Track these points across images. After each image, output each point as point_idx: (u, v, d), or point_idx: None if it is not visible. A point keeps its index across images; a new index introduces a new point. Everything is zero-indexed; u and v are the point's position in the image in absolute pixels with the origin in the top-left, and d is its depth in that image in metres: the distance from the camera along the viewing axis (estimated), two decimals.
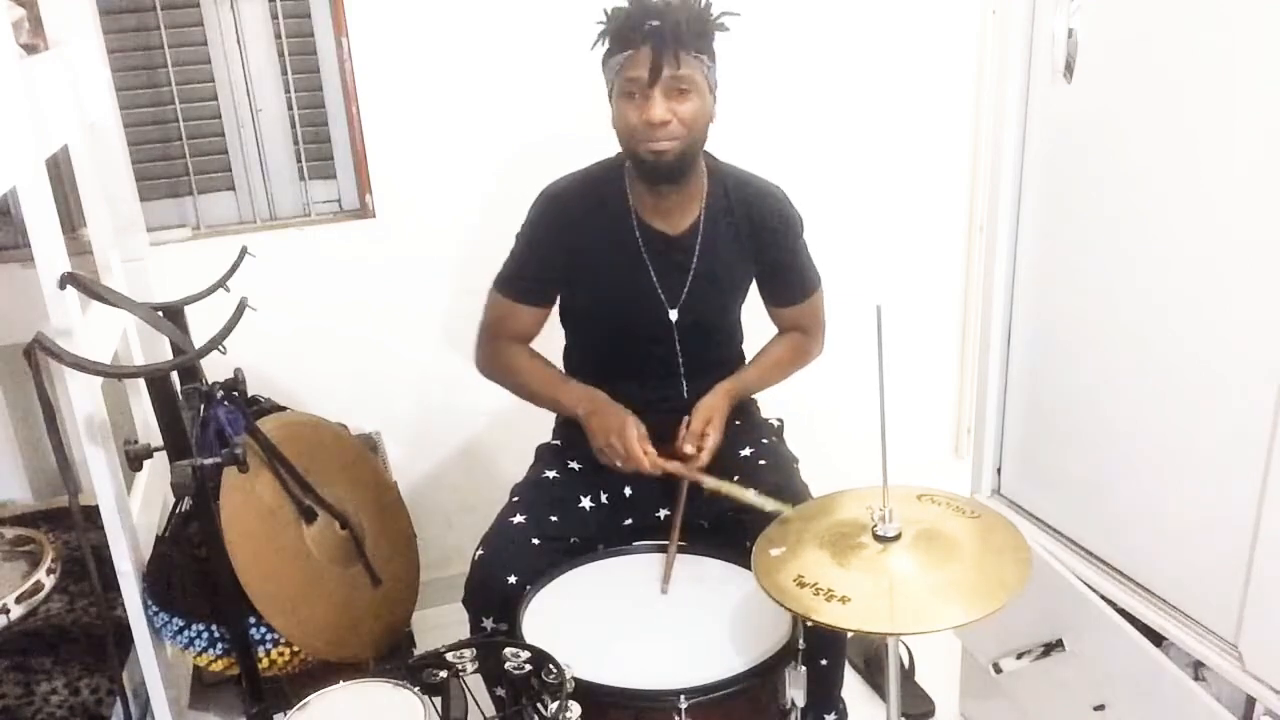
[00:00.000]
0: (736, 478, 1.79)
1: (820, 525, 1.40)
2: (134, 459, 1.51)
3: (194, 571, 1.56)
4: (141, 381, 1.90)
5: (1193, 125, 1.38)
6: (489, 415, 2.56)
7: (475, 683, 1.44)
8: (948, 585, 1.26)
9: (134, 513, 1.62)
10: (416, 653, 1.57)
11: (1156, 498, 1.54)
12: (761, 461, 1.83)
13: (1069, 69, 1.58)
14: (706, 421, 1.76)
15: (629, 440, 1.70)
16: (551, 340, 1.93)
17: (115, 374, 1.58)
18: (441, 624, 2.12)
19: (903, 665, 2.24)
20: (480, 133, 2.37)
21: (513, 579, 1.64)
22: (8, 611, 1.78)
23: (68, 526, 2.08)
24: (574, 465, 1.87)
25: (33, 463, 2.34)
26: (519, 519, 1.73)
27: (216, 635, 1.56)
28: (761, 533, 1.42)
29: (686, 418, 1.79)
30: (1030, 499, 1.86)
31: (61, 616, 1.82)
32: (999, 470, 1.93)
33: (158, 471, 1.86)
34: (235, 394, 1.58)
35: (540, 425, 2.00)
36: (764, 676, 1.44)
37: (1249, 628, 1.39)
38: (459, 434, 2.58)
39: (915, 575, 1.28)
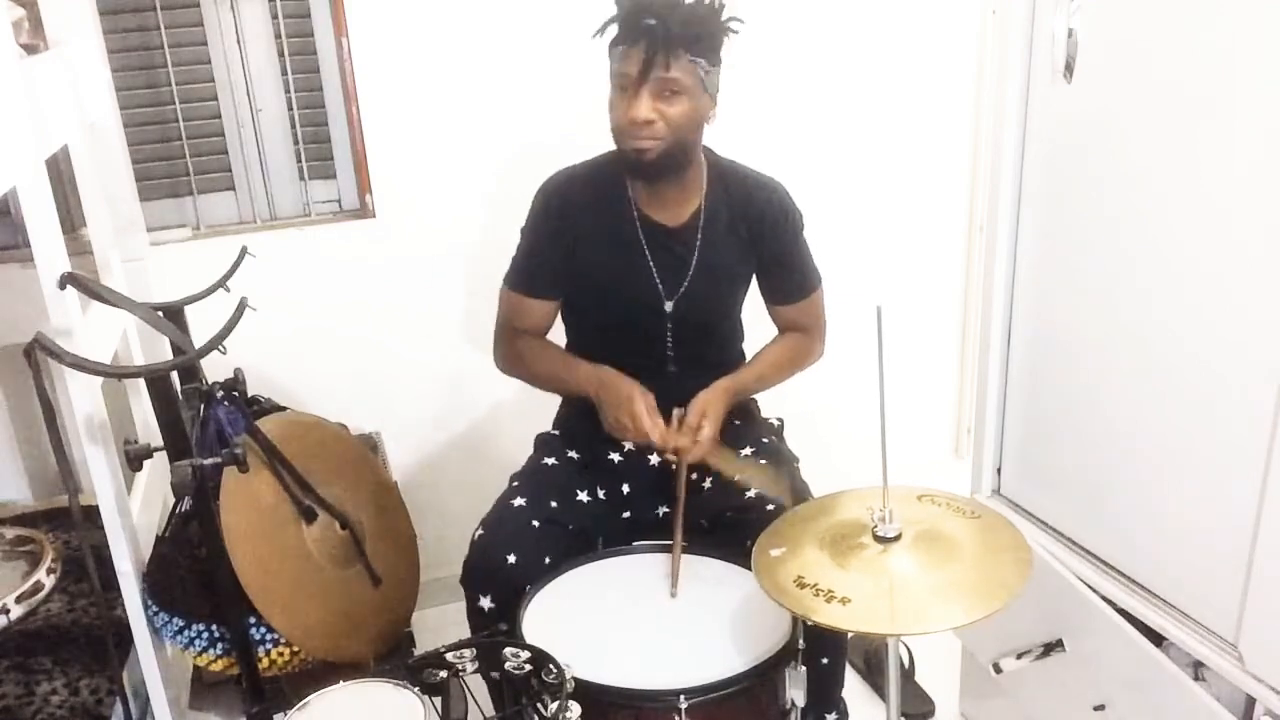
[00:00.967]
0: (737, 477, 1.79)
1: (820, 525, 1.40)
2: (134, 459, 1.51)
3: (194, 571, 1.56)
4: (141, 381, 1.90)
5: (1193, 125, 1.38)
6: (489, 415, 2.56)
7: (475, 683, 1.44)
8: (948, 586, 1.26)
9: (134, 513, 1.62)
10: (416, 653, 1.57)
11: (1156, 498, 1.54)
12: (761, 461, 1.83)
13: (1069, 69, 1.58)
14: (702, 414, 1.75)
15: (638, 413, 1.70)
16: (557, 336, 1.93)
17: (115, 374, 1.58)
18: (441, 624, 2.12)
19: (903, 665, 2.24)
20: (480, 133, 2.37)
21: (512, 559, 1.64)
22: (8, 611, 1.78)
23: (68, 526, 2.09)
24: (573, 454, 1.87)
25: (33, 463, 2.34)
26: (519, 502, 1.74)
27: (216, 635, 1.56)
28: (762, 533, 1.42)
29: (679, 410, 1.78)
30: (1030, 499, 1.86)
31: (61, 616, 1.82)
32: (999, 470, 1.93)
33: (158, 471, 1.86)
34: (235, 394, 1.59)
35: (540, 424, 2.00)
36: (764, 676, 1.44)
37: (1249, 628, 1.39)
38: (459, 434, 2.58)
39: (915, 576, 1.28)
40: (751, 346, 1.97)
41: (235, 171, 2.35)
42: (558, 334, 1.93)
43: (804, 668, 1.46)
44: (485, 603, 1.66)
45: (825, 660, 1.73)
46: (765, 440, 1.90)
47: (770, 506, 1.68)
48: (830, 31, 2.55)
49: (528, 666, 1.36)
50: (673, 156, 1.69)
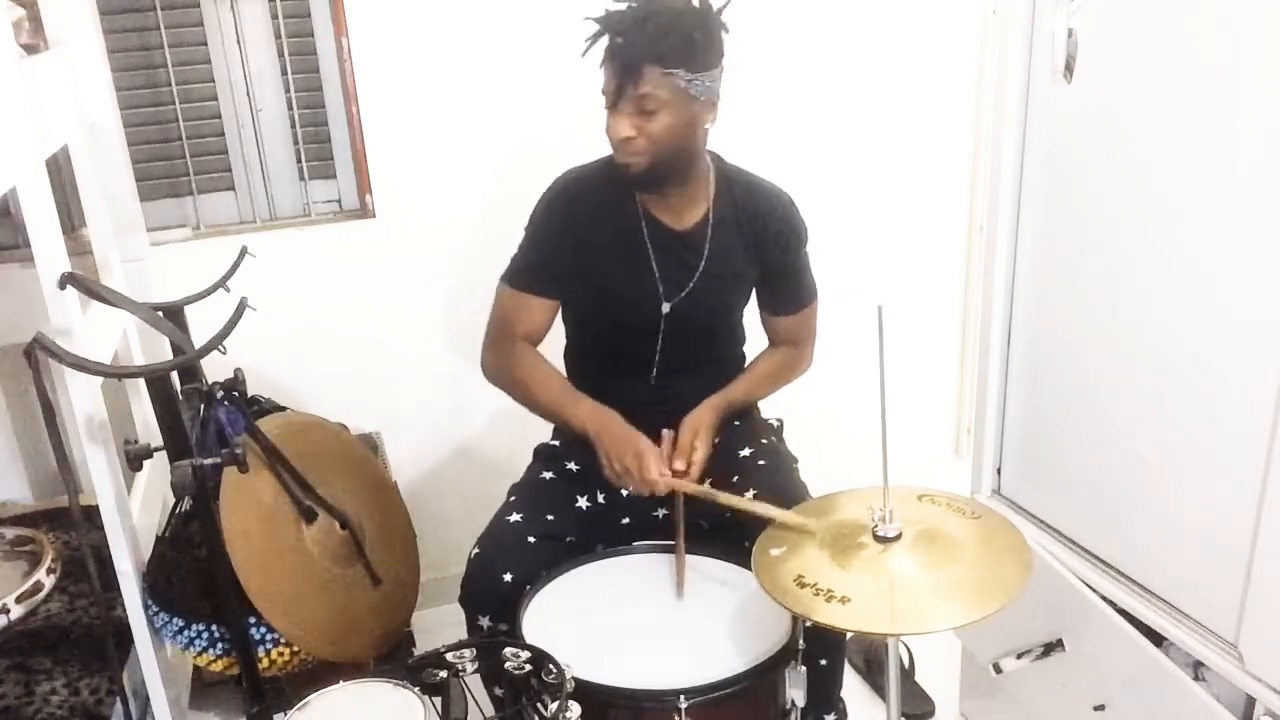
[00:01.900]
0: (736, 478, 1.79)
1: (820, 525, 1.40)
2: (134, 459, 1.51)
3: (194, 571, 1.56)
4: (141, 381, 1.90)
5: (1192, 125, 1.38)
6: (489, 415, 2.56)
7: (475, 683, 1.44)
8: (948, 586, 1.26)
9: (134, 513, 1.62)
10: (416, 653, 1.57)
11: (1156, 498, 1.54)
12: (761, 461, 1.83)
13: (1069, 69, 1.58)
14: (694, 434, 1.76)
15: (646, 465, 1.67)
16: (553, 345, 1.92)
17: (115, 374, 1.58)
18: (441, 624, 2.12)
19: (903, 665, 2.24)
20: (480, 133, 2.37)
21: (509, 577, 1.64)
22: (8, 611, 1.78)
23: (68, 526, 2.08)
24: (571, 466, 1.87)
25: (33, 463, 2.34)
26: (515, 518, 1.74)
27: (216, 635, 1.56)
28: (762, 533, 1.42)
29: (670, 432, 1.77)
30: (1030, 499, 1.86)
31: (61, 616, 1.82)
32: (999, 470, 1.93)
33: (158, 471, 1.86)
34: (235, 394, 1.58)
35: (540, 425, 2.00)
36: (764, 676, 1.44)
37: (1249, 628, 1.39)
38: (459, 434, 2.58)
39: (915, 576, 1.28)
40: (752, 351, 1.97)
41: (235, 171, 2.35)
42: (556, 340, 1.93)
43: (804, 668, 1.46)
44: (484, 622, 1.66)
45: (825, 660, 1.73)
46: (765, 440, 1.90)
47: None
48: (830, 32, 2.55)
49: (528, 666, 1.36)
50: (663, 167, 1.68)
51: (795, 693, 1.48)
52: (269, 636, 1.57)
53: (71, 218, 1.99)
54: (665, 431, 1.78)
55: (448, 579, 1.84)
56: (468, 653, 1.40)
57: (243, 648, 1.53)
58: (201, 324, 1.71)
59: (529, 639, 1.49)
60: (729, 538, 1.72)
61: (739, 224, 1.81)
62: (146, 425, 1.96)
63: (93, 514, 1.51)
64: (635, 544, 1.76)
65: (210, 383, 1.59)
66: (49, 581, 1.88)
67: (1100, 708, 1.65)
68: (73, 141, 1.74)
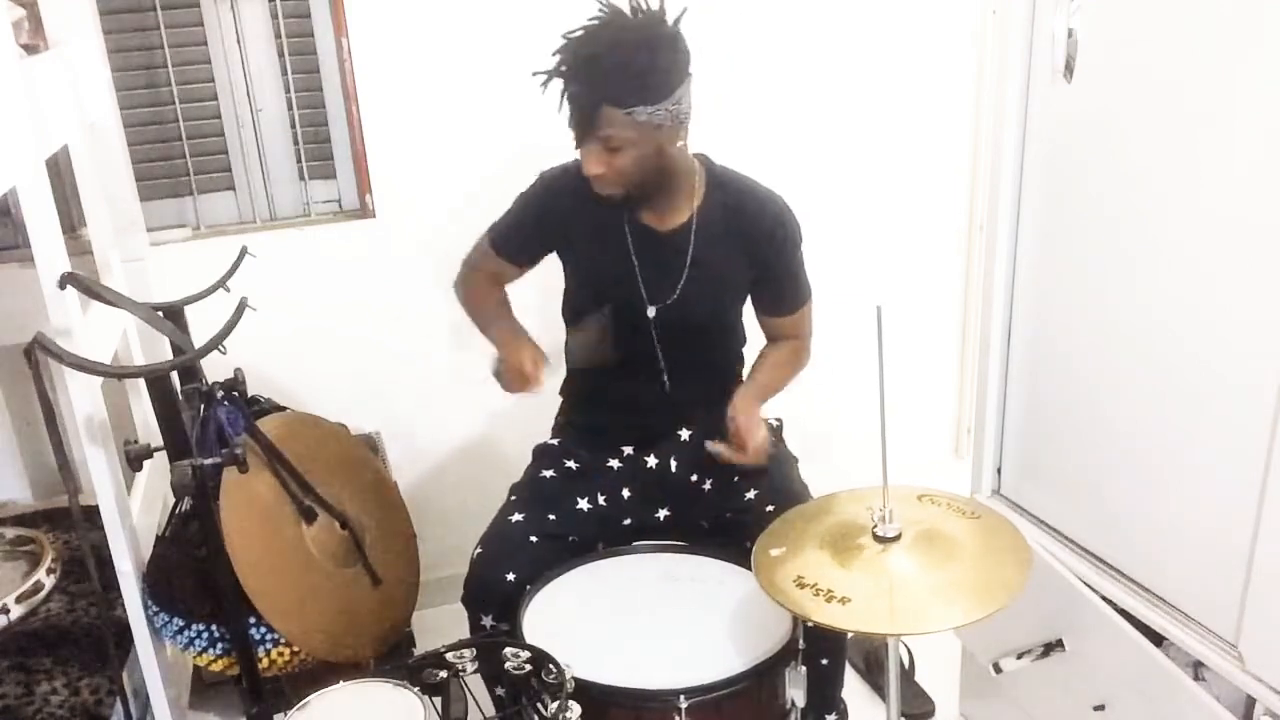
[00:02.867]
0: (737, 478, 1.79)
1: (820, 525, 1.40)
2: (134, 459, 1.51)
3: (194, 571, 1.56)
4: (141, 381, 1.90)
5: (1192, 125, 1.38)
6: (489, 415, 2.56)
7: (475, 683, 1.44)
8: (948, 586, 1.26)
9: (134, 513, 1.62)
10: (416, 653, 1.57)
11: (1156, 498, 1.54)
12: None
13: (1069, 69, 1.58)
14: (747, 422, 1.74)
15: (522, 360, 1.73)
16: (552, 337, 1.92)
17: (115, 374, 1.59)
18: (441, 624, 2.12)
19: (903, 665, 2.24)
20: (480, 133, 2.37)
21: (511, 577, 1.64)
22: (8, 611, 1.78)
23: (68, 526, 2.09)
24: (571, 465, 1.87)
25: (33, 463, 2.34)
26: (517, 518, 1.74)
27: (216, 635, 1.56)
28: (762, 532, 1.42)
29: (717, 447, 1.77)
30: (1030, 499, 1.86)
31: (61, 616, 1.82)
32: (999, 470, 1.93)
33: (158, 471, 1.86)
34: (235, 394, 1.59)
35: (540, 425, 2.00)
36: (764, 677, 1.44)
37: (1249, 628, 1.39)
38: (459, 434, 2.58)
39: (915, 576, 1.28)
40: (750, 353, 1.97)
41: (235, 171, 2.35)
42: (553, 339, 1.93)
43: (804, 668, 1.47)
44: (487, 622, 1.66)
45: (825, 660, 1.73)
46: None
47: (769, 508, 1.68)
48: (830, 31, 2.55)
49: (528, 666, 1.36)
50: (639, 190, 1.69)
51: (795, 693, 1.48)
52: (269, 636, 1.57)
53: (71, 218, 1.99)
54: (711, 445, 1.77)
55: (448, 579, 1.84)
56: (468, 653, 1.40)
57: (243, 648, 1.53)
58: (201, 324, 1.71)
59: (529, 639, 1.49)
60: (728, 537, 1.72)
61: (726, 225, 1.79)
62: (146, 425, 1.96)
63: (93, 514, 1.51)
64: (635, 544, 1.76)
65: (210, 383, 1.60)
66: (49, 581, 1.88)
67: (1100, 708, 1.65)
68: (73, 141, 1.74)
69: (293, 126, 2.36)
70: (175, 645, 1.61)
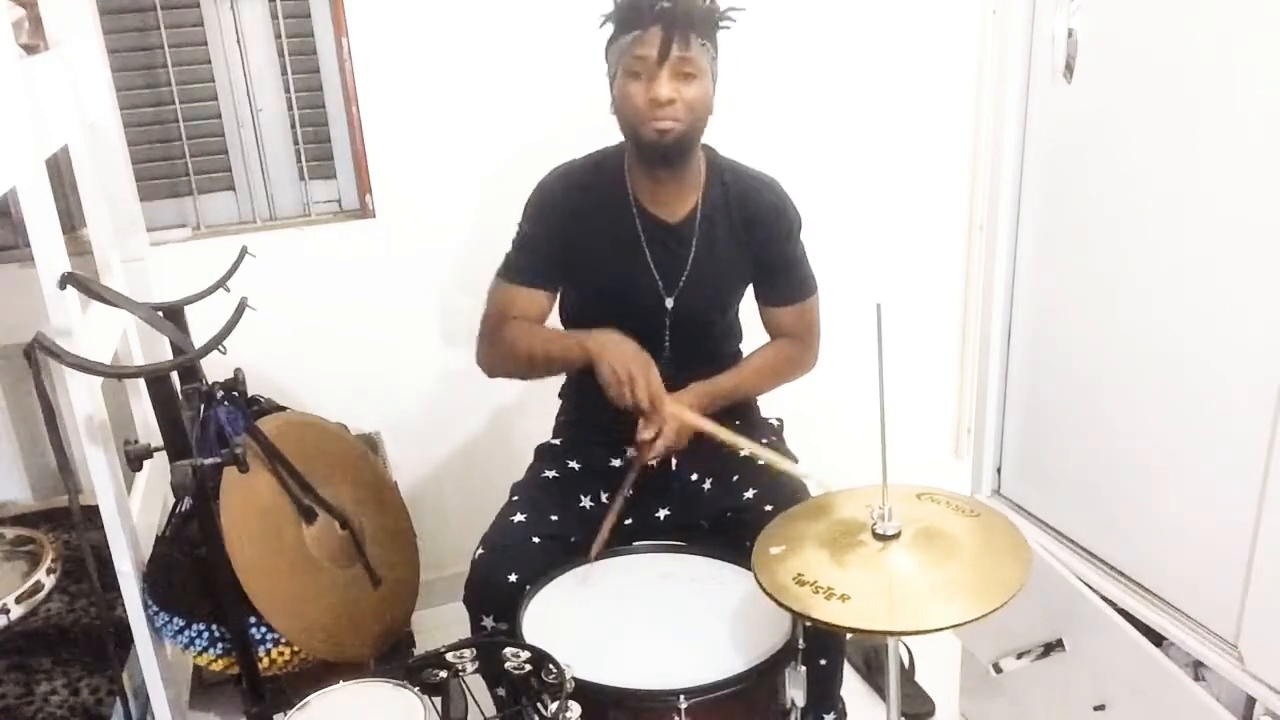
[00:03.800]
0: (736, 478, 1.79)
1: (820, 524, 1.40)
2: (134, 459, 1.51)
3: (194, 571, 1.56)
4: (141, 381, 1.90)
5: (1193, 125, 1.38)
6: (489, 415, 2.56)
7: (475, 683, 1.44)
8: (947, 584, 1.26)
9: (134, 513, 1.62)
10: (416, 653, 1.57)
11: (1156, 498, 1.54)
12: (761, 461, 1.82)
13: (1069, 69, 1.58)
14: (677, 412, 1.72)
15: (651, 376, 1.66)
16: None
17: (115, 374, 1.58)
18: (441, 624, 2.12)
19: (903, 665, 2.24)
20: (480, 133, 2.37)
21: (513, 577, 1.64)
22: (8, 611, 1.78)
23: (68, 526, 2.08)
24: (573, 465, 1.87)
25: (33, 463, 2.34)
26: (519, 518, 1.74)
27: (216, 635, 1.56)
28: (762, 531, 1.42)
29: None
30: (1030, 499, 1.86)
31: (61, 616, 1.82)
32: (999, 470, 1.93)
33: (158, 471, 1.86)
34: (235, 394, 1.58)
35: (540, 425, 2.00)
36: (764, 676, 1.44)
37: (1249, 628, 1.39)
38: (459, 434, 2.59)
39: (915, 574, 1.28)
40: (748, 348, 1.97)
41: (235, 171, 2.35)
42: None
43: (804, 667, 1.46)
44: (488, 622, 1.66)
45: (825, 660, 1.73)
46: (765, 441, 1.89)
47: (769, 507, 1.68)
48: (830, 31, 2.55)
49: (528, 666, 1.36)
50: (688, 140, 1.70)
51: (795, 692, 1.48)
52: (269, 636, 1.57)
53: (71, 218, 1.99)
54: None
55: (448, 579, 1.85)
56: (468, 653, 1.40)
57: (243, 648, 1.53)
58: (201, 324, 1.71)
59: (529, 639, 1.49)
60: (728, 537, 1.72)
61: (729, 214, 1.80)
62: (146, 425, 1.96)
63: (93, 514, 1.51)
64: (635, 544, 1.76)
65: (210, 383, 1.59)
66: (49, 581, 1.88)
67: (1100, 708, 1.65)
68: (73, 141, 1.74)
69: (293, 126, 2.36)
70: (175, 645, 1.61)
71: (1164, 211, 1.45)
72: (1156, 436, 1.52)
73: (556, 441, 1.95)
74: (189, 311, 1.81)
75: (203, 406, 1.57)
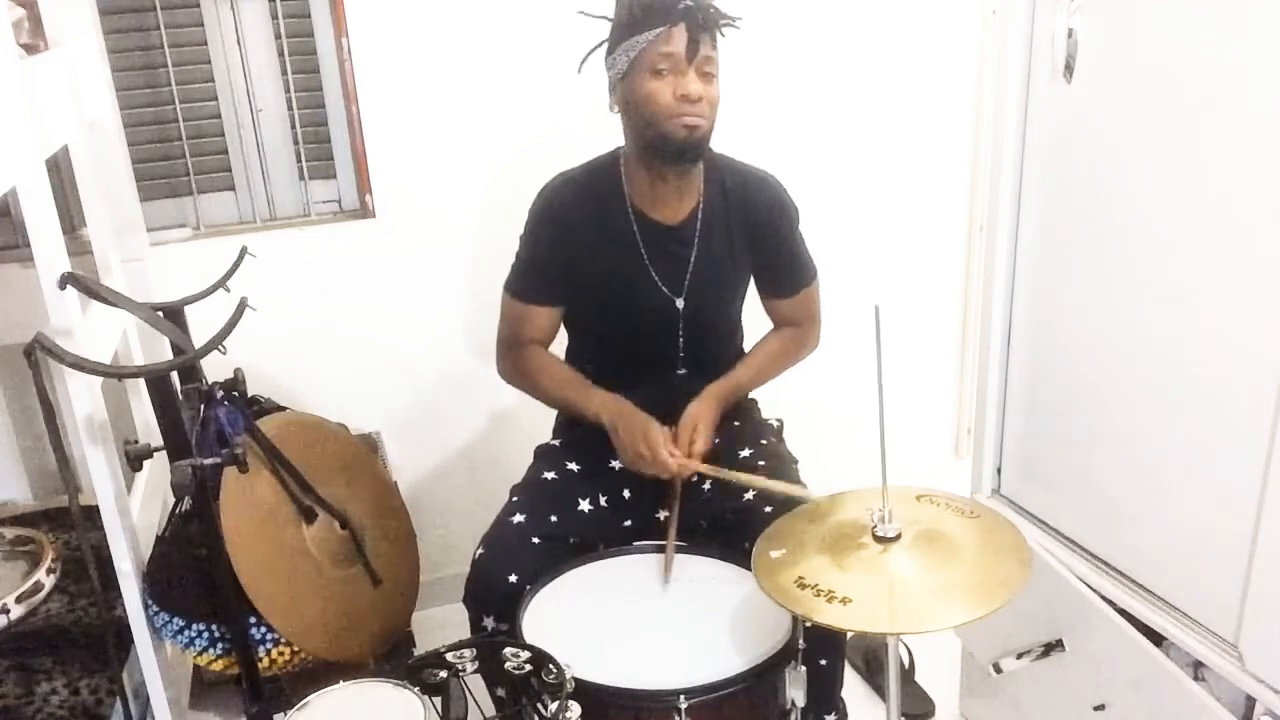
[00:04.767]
0: (743, 483, 1.79)
1: (820, 526, 1.40)
2: (134, 459, 1.51)
3: (194, 571, 1.56)
4: (141, 381, 1.90)
5: (1193, 125, 1.38)
6: (489, 415, 2.56)
7: (475, 683, 1.44)
8: (948, 585, 1.26)
9: (134, 513, 1.62)
10: (416, 653, 1.57)
11: (1156, 498, 1.54)
12: (761, 462, 1.83)
13: (1069, 69, 1.58)
14: (693, 429, 1.76)
15: (655, 446, 1.70)
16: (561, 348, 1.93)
17: (115, 374, 1.58)
18: (441, 624, 2.12)
19: (903, 665, 2.24)
20: (480, 133, 2.37)
21: (513, 578, 1.64)
22: (8, 611, 1.78)
23: (68, 526, 2.09)
24: (573, 466, 1.87)
25: (33, 463, 2.34)
26: (519, 518, 1.74)
27: (216, 635, 1.56)
28: (762, 533, 1.42)
29: (670, 428, 1.77)
30: (1030, 499, 1.86)
31: (61, 616, 1.82)
32: (999, 470, 1.93)
33: (158, 471, 1.86)
34: (235, 394, 1.59)
35: (540, 425, 2.00)
36: (764, 676, 1.44)
37: (1249, 628, 1.39)
38: (459, 434, 2.58)
39: (915, 575, 1.28)
40: (749, 343, 1.97)
41: (235, 171, 2.35)
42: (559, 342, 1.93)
43: (804, 668, 1.46)
44: (489, 623, 1.66)
45: (825, 660, 1.73)
46: (765, 441, 1.90)
47: (769, 508, 1.68)
48: (830, 31, 2.55)
49: (528, 666, 1.36)
50: (708, 138, 1.71)
51: (795, 693, 1.48)
52: (269, 636, 1.57)
53: (71, 218, 2.00)
54: (670, 428, 1.77)
55: (448, 579, 1.85)
56: (468, 653, 1.40)
57: (243, 648, 1.53)
58: (201, 324, 1.71)
59: (529, 639, 1.49)
60: (728, 538, 1.72)
61: (729, 212, 1.81)
62: (146, 425, 1.96)
63: (93, 514, 1.51)
64: (636, 543, 1.76)
65: (210, 383, 1.60)
66: (49, 581, 1.88)
67: (1100, 708, 1.65)
68: (73, 141, 1.74)
69: (293, 126, 2.36)
70: (175, 645, 1.61)
71: (1164, 211, 1.45)
72: (1156, 436, 1.52)
73: (556, 442, 1.95)
74: (189, 311, 1.81)
75: (203, 406, 1.57)
